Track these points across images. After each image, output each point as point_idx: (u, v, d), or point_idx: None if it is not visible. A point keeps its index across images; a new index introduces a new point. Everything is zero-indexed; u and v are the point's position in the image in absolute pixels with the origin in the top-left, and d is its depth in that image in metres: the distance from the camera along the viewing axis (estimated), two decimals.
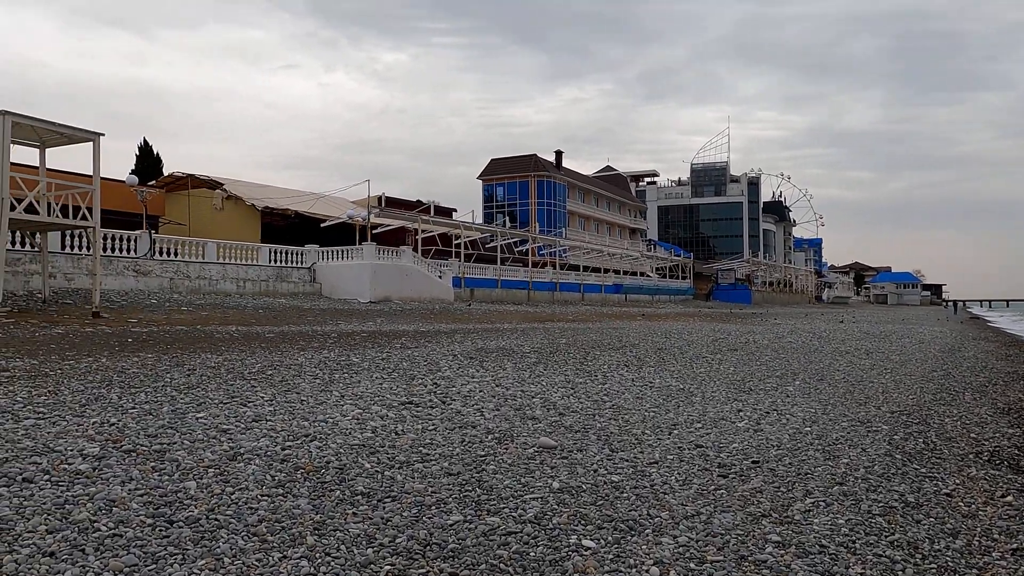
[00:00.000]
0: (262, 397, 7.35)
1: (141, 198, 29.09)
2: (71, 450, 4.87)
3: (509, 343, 15.14)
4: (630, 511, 4.01)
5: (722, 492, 4.35)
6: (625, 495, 4.31)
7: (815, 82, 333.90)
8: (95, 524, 3.56)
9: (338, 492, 4.20)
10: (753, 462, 5.12)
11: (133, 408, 6.50)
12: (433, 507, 4.01)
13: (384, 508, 3.96)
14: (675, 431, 6.26)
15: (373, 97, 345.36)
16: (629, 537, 3.63)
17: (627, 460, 5.15)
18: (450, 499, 4.15)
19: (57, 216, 18.08)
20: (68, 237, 22.75)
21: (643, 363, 12.01)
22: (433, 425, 6.22)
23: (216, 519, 3.69)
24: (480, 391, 8.30)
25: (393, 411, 6.82)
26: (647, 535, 3.66)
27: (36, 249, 20.61)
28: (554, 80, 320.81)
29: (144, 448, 5.00)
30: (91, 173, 18.51)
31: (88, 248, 21.10)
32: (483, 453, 5.23)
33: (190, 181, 41.43)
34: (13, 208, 16.46)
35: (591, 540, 3.59)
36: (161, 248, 26.34)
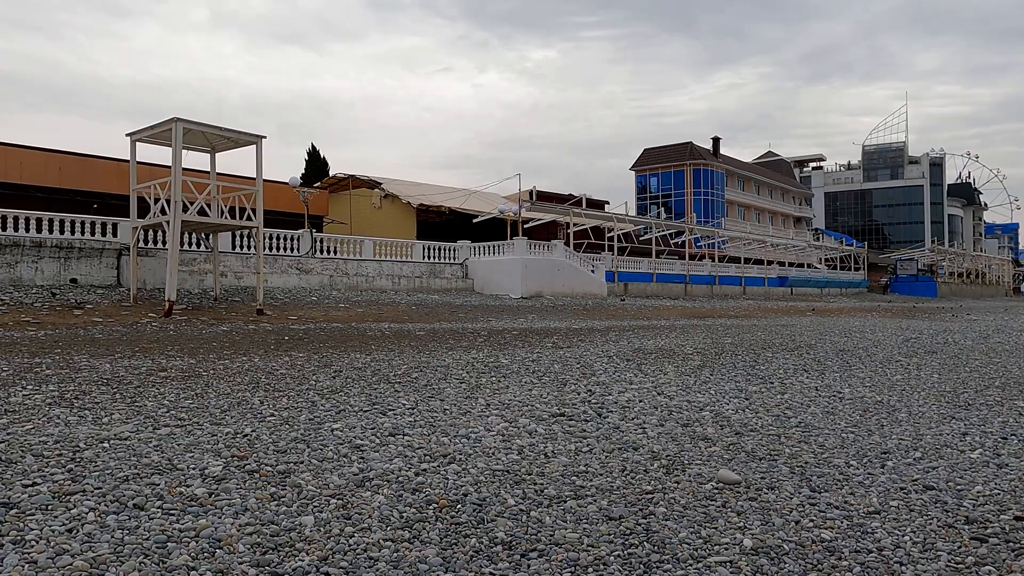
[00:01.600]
0: (404, 404, 6.83)
1: (303, 198, 30.37)
2: (193, 468, 4.47)
3: (668, 342, 14.01)
4: None
5: (988, 570, 3.16)
6: (844, 563, 3.24)
7: (1006, 51, 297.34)
8: (191, 574, 3.01)
9: (474, 539, 3.45)
10: (1016, 518, 3.84)
11: (271, 415, 6.16)
12: (590, 569, 3.16)
13: (528, 567, 3.16)
14: (889, 462, 5.03)
15: (524, 95, 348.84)
16: None
17: (836, 506, 4.04)
18: (611, 557, 3.28)
19: (225, 217, 18.94)
20: (238, 237, 24.00)
21: (825, 367, 10.53)
22: (588, 445, 5.37)
23: (326, 573, 3.04)
24: (640, 400, 7.36)
25: (543, 425, 6.04)
26: None
27: (209, 249, 21.84)
28: (708, 66, 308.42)
29: (268, 468, 4.52)
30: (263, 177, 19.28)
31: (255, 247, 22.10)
32: (649, 488, 4.31)
33: (351, 182, 43.22)
34: (185, 210, 17.36)
35: None
36: (322, 246, 27.31)
